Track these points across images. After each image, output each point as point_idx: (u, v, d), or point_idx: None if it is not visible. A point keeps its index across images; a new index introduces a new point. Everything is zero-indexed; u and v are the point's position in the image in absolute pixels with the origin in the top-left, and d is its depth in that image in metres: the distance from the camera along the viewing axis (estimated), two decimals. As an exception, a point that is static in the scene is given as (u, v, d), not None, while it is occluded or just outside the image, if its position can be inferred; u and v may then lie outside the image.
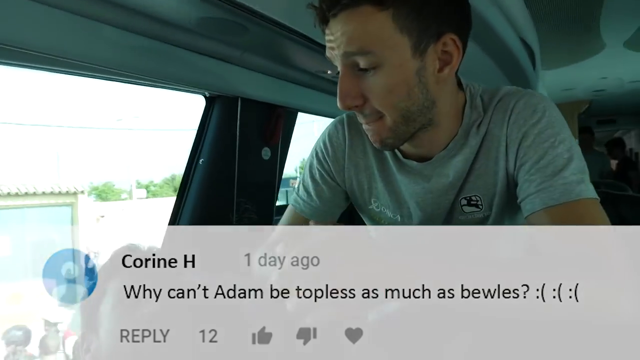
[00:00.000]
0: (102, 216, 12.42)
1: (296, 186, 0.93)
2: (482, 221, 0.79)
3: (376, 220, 0.88)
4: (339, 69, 0.69)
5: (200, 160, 1.39)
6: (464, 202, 0.79)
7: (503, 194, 0.76)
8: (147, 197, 24.33)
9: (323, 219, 0.88)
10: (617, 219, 1.28)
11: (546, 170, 0.67)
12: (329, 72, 1.40)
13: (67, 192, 11.50)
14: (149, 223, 12.38)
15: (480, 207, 0.78)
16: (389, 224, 0.87)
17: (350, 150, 0.86)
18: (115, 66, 0.97)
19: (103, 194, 33.06)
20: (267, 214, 1.58)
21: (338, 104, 0.69)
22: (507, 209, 0.78)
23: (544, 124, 0.70)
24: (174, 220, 1.36)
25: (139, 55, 1.00)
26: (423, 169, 0.79)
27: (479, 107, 0.77)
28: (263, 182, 1.56)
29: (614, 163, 5.68)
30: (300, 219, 0.88)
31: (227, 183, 1.42)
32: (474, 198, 0.78)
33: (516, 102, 0.73)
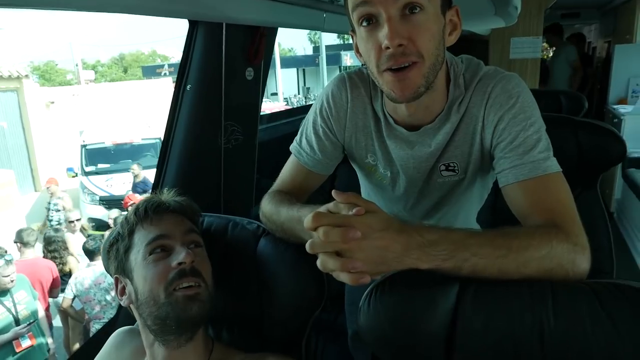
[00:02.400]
0: (52, 102, 11.81)
1: (298, 138, 0.99)
2: (458, 183, 0.93)
3: (371, 172, 0.99)
4: (382, 13, 0.73)
5: (188, 87, 1.39)
6: (442, 167, 0.91)
7: (476, 161, 0.88)
8: (96, 80, 23.04)
9: (323, 170, 0.97)
10: (575, 148, 1.42)
11: (518, 150, 0.78)
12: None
13: (10, 76, 10.72)
14: (104, 109, 11.92)
15: (457, 171, 0.91)
16: (379, 177, 0.98)
17: (352, 111, 0.93)
18: (107, 7, 0.95)
19: (46, 74, 30.92)
20: (251, 134, 1.63)
21: (387, 43, 0.73)
22: (479, 173, 0.91)
23: (517, 109, 0.80)
24: (166, 148, 1.40)
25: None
26: (409, 136, 0.89)
27: (461, 86, 0.85)
28: (247, 102, 1.59)
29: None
30: (304, 170, 0.97)
31: (214, 107, 1.44)
32: (451, 164, 0.90)
33: (494, 87, 0.82)
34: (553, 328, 0.61)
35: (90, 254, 3.75)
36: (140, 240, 0.85)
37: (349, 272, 0.63)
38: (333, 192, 0.68)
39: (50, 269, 3.75)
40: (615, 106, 4.44)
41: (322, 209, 0.69)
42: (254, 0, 1.35)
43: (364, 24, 0.75)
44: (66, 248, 4.07)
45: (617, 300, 0.63)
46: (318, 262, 0.66)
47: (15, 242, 3.78)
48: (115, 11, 1.02)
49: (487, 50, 4.32)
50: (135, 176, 6.99)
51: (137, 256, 0.84)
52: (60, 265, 4.04)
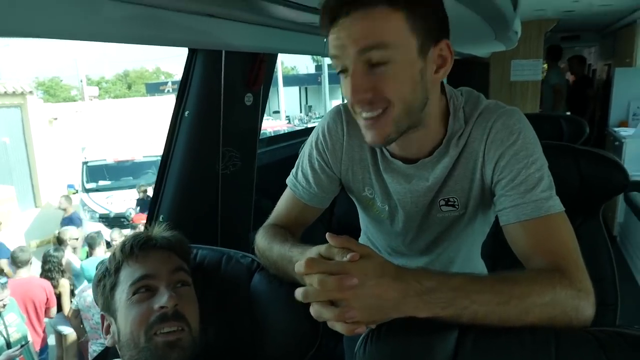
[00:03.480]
0: (55, 118, 11.86)
1: (294, 171, 0.98)
2: (458, 218, 0.91)
3: (369, 205, 0.96)
4: (349, 67, 0.72)
5: (186, 113, 1.38)
6: (442, 202, 0.89)
7: (477, 197, 0.86)
8: (99, 96, 23.21)
9: (319, 204, 0.96)
10: (577, 176, 1.40)
11: (520, 188, 0.76)
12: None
13: (14, 92, 10.80)
14: (107, 126, 11.97)
15: (457, 206, 0.88)
16: (377, 211, 0.96)
17: (348, 144, 0.91)
18: (108, 37, 0.95)
19: (51, 90, 31.17)
20: (250, 159, 1.61)
21: (350, 99, 0.74)
22: (480, 208, 0.89)
23: (518, 146, 0.78)
24: (162, 175, 1.39)
25: (129, 25, 0.96)
26: (406, 169, 0.87)
27: (461, 119, 0.83)
28: (246, 128, 1.58)
29: (571, 78, 5.85)
30: (299, 203, 0.95)
31: (212, 133, 1.43)
32: (451, 199, 0.88)
33: (494, 122, 0.80)
34: (556, 380, 0.59)
35: None
36: (126, 279, 0.82)
37: (344, 322, 0.61)
38: (327, 236, 0.66)
39: (44, 289, 3.67)
40: (616, 129, 4.44)
41: (314, 252, 0.67)
42: (253, 27, 1.35)
43: (340, 72, 0.75)
44: (60, 270, 4.00)
45: (621, 350, 0.60)
46: (312, 311, 0.64)
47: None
48: (116, 41, 1.02)
49: (488, 73, 4.34)
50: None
51: (121, 295, 0.81)
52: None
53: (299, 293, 0.64)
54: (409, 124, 0.77)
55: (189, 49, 1.34)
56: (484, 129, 0.81)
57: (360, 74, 0.71)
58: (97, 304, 0.92)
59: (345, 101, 0.82)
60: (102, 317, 0.86)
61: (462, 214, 0.89)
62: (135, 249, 0.84)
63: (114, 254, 0.86)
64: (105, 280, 0.85)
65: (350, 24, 0.69)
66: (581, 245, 0.75)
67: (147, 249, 0.85)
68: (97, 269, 1.00)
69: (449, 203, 0.88)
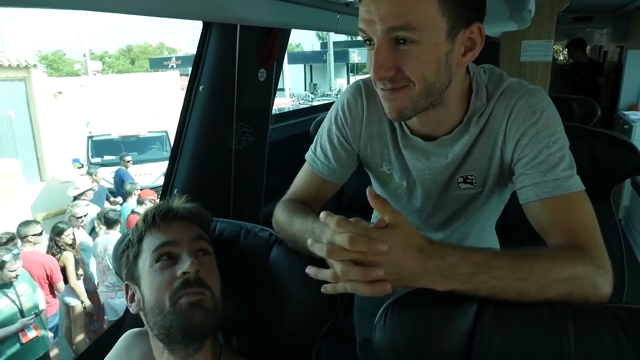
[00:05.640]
0: (60, 92, 11.83)
1: (313, 146, 0.98)
2: (475, 196, 0.91)
3: (386, 181, 0.97)
4: (375, 42, 0.72)
5: (200, 87, 1.38)
6: (460, 179, 0.89)
7: (495, 175, 0.87)
8: (103, 71, 23.08)
9: (337, 179, 0.96)
10: (590, 158, 1.40)
11: (540, 167, 0.77)
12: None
13: (19, 65, 10.75)
14: (111, 101, 11.94)
15: (475, 184, 0.89)
16: (395, 186, 0.96)
17: (367, 120, 0.92)
18: (122, 9, 0.94)
19: (54, 63, 31.01)
20: (262, 135, 1.62)
21: (372, 75, 0.73)
22: (497, 186, 0.90)
23: (541, 125, 0.77)
24: (177, 149, 1.39)
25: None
26: (426, 146, 0.87)
27: (483, 98, 0.83)
28: (259, 104, 1.58)
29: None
30: (318, 179, 0.95)
31: (226, 108, 1.43)
32: (469, 177, 0.88)
33: (517, 100, 0.80)
34: (574, 356, 0.60)
35: (109, 224, 4.06)
36: (148, 247, 0.84)
37: (369, 283, 0.62)
38: (368, 192, 0.65)
39: (42, 265, 3.57)
40: (626, 112, 4.40)
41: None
42: (268, 1, 1.34)
43: (367, 41, 0.75)
44: (58, 245, 3.95)
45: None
46: (333, 272, 0.64)
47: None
48: (130, 12, 1.01)
49: (498, 52, 4.28)
50: None
51: (144, 263, 0.83)
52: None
53: (321, 248, 0.64)
54: (428, 104, 0.77)
55: (203, 22, 1.33)
56: (506, 107, 0.81)
57: (384, 51, 0.71)
58: (119, 275, 0.94)
59: (353, 80, 0.80)
60: (127, 286, 0.88)
61: (480, 191, 0.90)
62: (157, 218, 0.86)
63: (136, 225, 0.87)
64: (129, 251, 0.87)
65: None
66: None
67: (168, 218, 0.87)
68: (116, 245, 1.02)
69: (467, 180, 0.89)
